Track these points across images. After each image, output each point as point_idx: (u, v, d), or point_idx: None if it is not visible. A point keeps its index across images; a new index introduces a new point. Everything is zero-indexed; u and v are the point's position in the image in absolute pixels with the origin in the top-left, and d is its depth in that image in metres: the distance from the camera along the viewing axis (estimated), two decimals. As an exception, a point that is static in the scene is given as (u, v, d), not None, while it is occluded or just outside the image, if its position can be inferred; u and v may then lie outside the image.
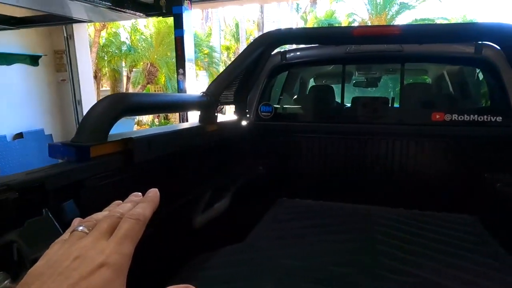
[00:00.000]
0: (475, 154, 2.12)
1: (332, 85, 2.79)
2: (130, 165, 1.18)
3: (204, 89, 1.89)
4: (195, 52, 10.70)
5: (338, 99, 2.76)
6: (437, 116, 2.18)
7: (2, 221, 0.75)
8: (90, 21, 3.65)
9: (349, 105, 2.68)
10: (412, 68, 3.04)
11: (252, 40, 2.22)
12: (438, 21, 19.02)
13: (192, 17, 3.09)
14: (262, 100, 2.55)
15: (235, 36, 20.80)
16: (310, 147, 2.40)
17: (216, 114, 1.86)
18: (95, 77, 10.70)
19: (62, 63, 5.48)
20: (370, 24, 18.42)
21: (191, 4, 3.00)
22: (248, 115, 2.47)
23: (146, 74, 9.99)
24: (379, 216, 2.07)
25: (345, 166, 2.33)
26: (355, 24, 19.71)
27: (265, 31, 18.05)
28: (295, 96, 3.01)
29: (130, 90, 10.73)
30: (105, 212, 0.34)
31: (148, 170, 1.30)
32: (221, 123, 1.99)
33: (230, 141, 2.16)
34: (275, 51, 2.51)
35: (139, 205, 0.34)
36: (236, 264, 1.49)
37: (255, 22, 22.16)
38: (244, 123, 2.41)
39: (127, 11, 2.88)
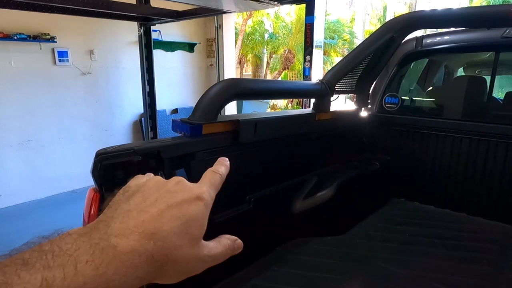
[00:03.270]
0: None
1: (485, 77, 2.34)
2: (236, 145, 1.30)
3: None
4: (334, 38, 10.44)
5: (493, 94, 2.29)
6: None
7: (128, 177, 0.96)
8: (234, 11, 4.04)
9: (500, 102, 2.21)
10: None
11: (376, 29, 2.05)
12: None
13: (324, 3, 3.05)
14: (389, 90, 2.35)
15: (382, 20, 19.36)
16: (440, 146, 2.10)
17: (330, 102, 1.83)
18: (240, 62, 11.76)
19: (212, 49, 6.23)
20: None
21: (324, -11, 2.96)
22: (370, 106, 2.33)
23: (283, 60, 10.39)
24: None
25: (483, 173, 1.96)
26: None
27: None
28: (431, 88, 2.65)
29: (268, 76, 11.38)
30: None
31: (254, 151, 1.40)
32: (337, 112, 1.94)
33: (345, 131, 2.09)
34: (412, 35, 2.26)
35: (215, 165, 0.40)
36: (329, 255, 1.48)
37: (407, 3, 20.06)
38: (364, 114, 2.29)
39: (264, 0, 3.06)
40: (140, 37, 4.77)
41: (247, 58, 11.74)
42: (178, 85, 6.09)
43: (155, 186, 0.33)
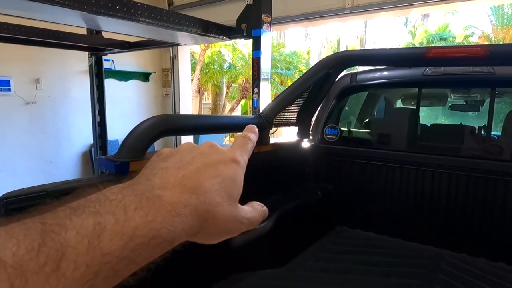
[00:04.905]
0: None
1: (417, 109, 2.53)
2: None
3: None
4: (290, 69, 10.88)
5: (429, 123, 2.48)
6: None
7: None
8: (186, 44, 4.13)
9: (427, 132, 2.40)
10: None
11: (316, 62, 2.18)
12: None
13: (270, 38, 3.20)
14: (329, 122, 2.47)
15: (336, 52, 20.54)
16: (376, 176, 2.22)
17: (269, 135, 1.88)
18: (199, 91, 11.84)
19: (168, 79, 6.25)
20: (493, 38, 16.12)
21: (270, 26, 3.11)
22: (311, 137, 2.43)
23: (241, 89, 10.61)
24: (448, 263, 1.79)
25: (415, 200, 2.08)
26: (474, 37, 17.49)
27: (366, 47, 17.35)
28: (367, 119, 2.82)
29: (227, 105, 11.52)
30: None
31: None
32: (276, 144, 2.00)
33: (287, 162, 2.15)
34: (346, 72, 2.43)
35: (244, 131, 0.40)
36: (266, 289, 1.47)
37: (358, 37, 21.56)
38: (305, 145, 2.38)
39: (213, 35, 3.15)
40: (90, 66, 4.67)
41: (206, 87, 11.85)
42: (132, 114, 5.97)
43: (188, 149, 0.33)
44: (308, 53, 18.80)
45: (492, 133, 2.41)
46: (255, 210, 0.35)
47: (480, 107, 3.34)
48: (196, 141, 6.26)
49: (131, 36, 4.02)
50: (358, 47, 19.92)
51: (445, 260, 1.81)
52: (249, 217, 0.34)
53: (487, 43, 16.32)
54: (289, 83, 13.30)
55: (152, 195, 0.27)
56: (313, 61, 16.66)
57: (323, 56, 20.33)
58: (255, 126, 0.41)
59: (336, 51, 19.99)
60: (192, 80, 9.14)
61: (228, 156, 0.33)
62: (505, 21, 15.53)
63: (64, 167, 5.07)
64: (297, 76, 13.02)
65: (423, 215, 2.06)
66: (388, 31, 19.84)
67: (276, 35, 16.91)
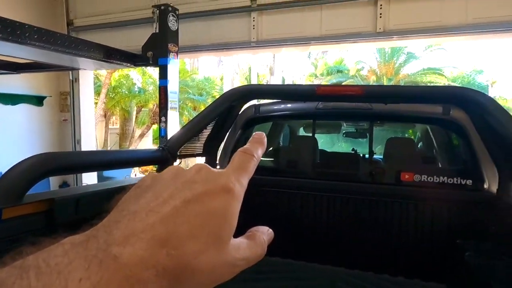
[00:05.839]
0: (448, 218, 2.02)
1: (313, 137, 2.79)
2: (53, 226, 1.16)
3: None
4: (202, 95, 10.96)
5: (327, 150, 2.72)
6: (406, 176, 2.12)
7: None
8: (84, 69, 3.88)
9: (325, 159, 2.64)
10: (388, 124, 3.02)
11: (219, 96, 2.26)
12: (447, 70, 19.31)
13: (177, 66, 3.21)
14: (235, 151, 2.55)
15: (248, 78, 21.48)
16: (279, 202, 2.34)
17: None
18: (105, 116, 11.08)
19: (66, 104, 5.71)
20: (377, 71, 18.82)
21: (177, 55, 3.14)
22: (218, 167, 2.46)
23: (152, 115, 10.28)
24: (343, 280, 1.96)
25: (315, 223, 2.25)
26: (364, 70, 20.19)
27: (275, 75, 18.49)
28: (270, 148, 3.00)
29: (136, 130, 11.00)
30: None
31: (79, 232, 1.27)
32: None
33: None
34: (251, 103, 2.56)
35: (248, 144, 0.32)
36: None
37: (268, 66, 22.95)
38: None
39: (116, 62, 3.03)
40: (-34, 88, 4.03)
41: (113, 112, 11.17)
42: (22, 143, 5.26)
43: (171, 178, 0.27)
44: (221, 79, 19.28)
45: (378, 157, 2.78)
46: (256, 242, 0.29)
47: (368, 134, 3.84)
48: (100, 176, 5.75)
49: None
50: (268, 75, 21.19)
51: (340, 278, 1.97)
52: (246, 256, 0.27)
53: (373, 76, 19.00)
54: (202, 108, 13.37)
55: (107, 256, 0.21)
56: (226, 87, 17.12)
57: (236, 82, 21.07)
58: (263, 134, 0.34)
59: (248, 78, 20.95)
60: (96, 104, 8.53)
61: (218, 183, 0.26)
62: (386, 58, 18.34)
63: None
64: (210, 101, 13.18)
65: (321, 237, 2.23)
66: (294, 62, 21.61)
67: (189, 61, 16.99)
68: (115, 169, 1.57)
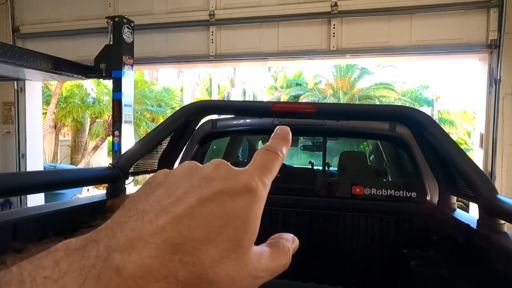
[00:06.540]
0: (395, 229, 2.13)
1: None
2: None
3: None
4: (161, 106, 10.73)
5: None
6: (357, 190, 2.22)
7: None
8: (31, 80, 3.64)
9: (287, 174, 2.68)
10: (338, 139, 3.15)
11: (175, 111, 2.23)
12: (397, 85, 20.64)
13: (132, 79, 3.13)
14: (192, 167, 2.51)
15: (209, 89, 21.41)
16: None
17: (124, 186, 1.79)
18: (55, 127, 10.45)
19: (10, 115, 5.31)
20: (334, 85, 19.65)
21: (132, 67, 3.06)
22: (174, 183, 2.41)
23: (107, 126, 9.87)
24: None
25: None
26: (322, 84, 20.98)
27: (236, 87, 18.60)
28: (228, 163, 3.00)
29: (89, 142, 10.48)
30: None
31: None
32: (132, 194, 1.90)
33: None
34: (207, 118, 2.55)
35: (271, 141, 0.29)
36: None
37: (229, 77, 23.06)
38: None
39: (66, 73, 2.89)
40: None
41: (65, 123, 10.58)
42: (-45, 157, 4.81)
43: (186, 174, 0.23)
44: (181, 90, 19.05)
45: (333, 169, 2.88)
46: (280, 251, 0.26)
47: (322, 148, 3.98)
48: (48, 198, 5.31)
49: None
50: (229, 87, 21.28)
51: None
52: (269, 267, 0.24)
53: (330, 89, 19.79)
54: (161, 120, 13.09)
55: (107, 266, 0.18)
56: (186, 98, 16.93)
57: (196, 93, 20.88)
58: (288, 129, 0.31)
59: (209, 89, 20.88)
60: (45, 114, 8.05)
61: (240, 181, 0.23)
62: (342, 73, 19.23)
63: None
64: (169, 112, 12.94)
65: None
66: (255, 74, 21.95)
67: (148, 71, 16.64)
68: (63, 189, 1.48)
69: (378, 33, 4.06)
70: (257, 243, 0.26)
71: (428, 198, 2.08)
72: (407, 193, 2.15)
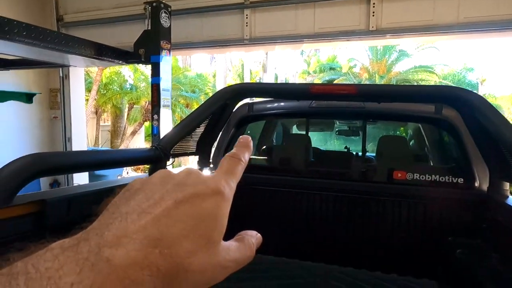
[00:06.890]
0: (439, 216, 2.05)
1: (306, 135, 2.78)
2: (44, 228, 1.14)
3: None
4: (195, 92, 10.90)
5: (321, 148, 2.72)
6: (399, 175, 2.14)
7: None
8: (76, 66, 3.82)
9: (319, 157, 2.65)
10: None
11: (213, 93, 2.25)
12: (438, 67, 19.53)
13: (170, 64, 3.18)
14: (229, 150, 2.54)
15: (241, 75, 21.40)
16: (270, 201, 2.34)
17: (166, 167, 1.84)
18: (96, 113, 10.95)
19: (56, 101, 5.62)
20: (370, 69, 18.93)
21: (170, 52, 3.10)
22: (212, 165, 2.45)
23: (144, 112, 10.19)
24: (337, 278, 1.97)
25: (308, 222, 2.26)
26: (357, 68, 20.30)
27: (268, 72, 18.42)
28: (264, 147, 2.99)
29: (128, 127, 10.90)
30: None
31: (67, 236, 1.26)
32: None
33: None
34: (244, 101, 2.55)
35: (235, 149, 0.33)
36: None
37: (261, 63, 22.88)
38: (207, 173, 2.38)
39: (108, 59, 2.98)
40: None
41: (105, 109, 11.05)
42: (10, 142, 5.17)
43: (161, 181, 0.27)
44: (214, 76, 19.19)
45: (371, 155, 2.79)
46: (246, 245, 0.30)
47: (360, 132, 3.86)
48: (92, 179, 5.65)
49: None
50: (261, 72, 21.14)
51: (333, 275, 1.98)
52: (236, 258, 0.28)
53: (366, 73, 19.09)
54: (195, 105, 13.31)
55: (99, 258, 0.21)
56: (219, 84, 17.07)
57: (228, 79, 20.98)
58: (249, 138, 0.35)
59: (240, 74, 20.88)
60: (87, 100, 8.44)
61: (209, 186, 0.27)
62: (378, 56, 18.44)
63: None
64: (203, 98, 13.12)
65: (314, 235, 2.24)
66: (287, 59, 21.63)
67: (182, 58, 16.88)
68: (107, 169, 1.55)
69: (421, 10, 3.82)
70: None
71: (476, 184, 1.97)
72: (453, 178, 2.04)
